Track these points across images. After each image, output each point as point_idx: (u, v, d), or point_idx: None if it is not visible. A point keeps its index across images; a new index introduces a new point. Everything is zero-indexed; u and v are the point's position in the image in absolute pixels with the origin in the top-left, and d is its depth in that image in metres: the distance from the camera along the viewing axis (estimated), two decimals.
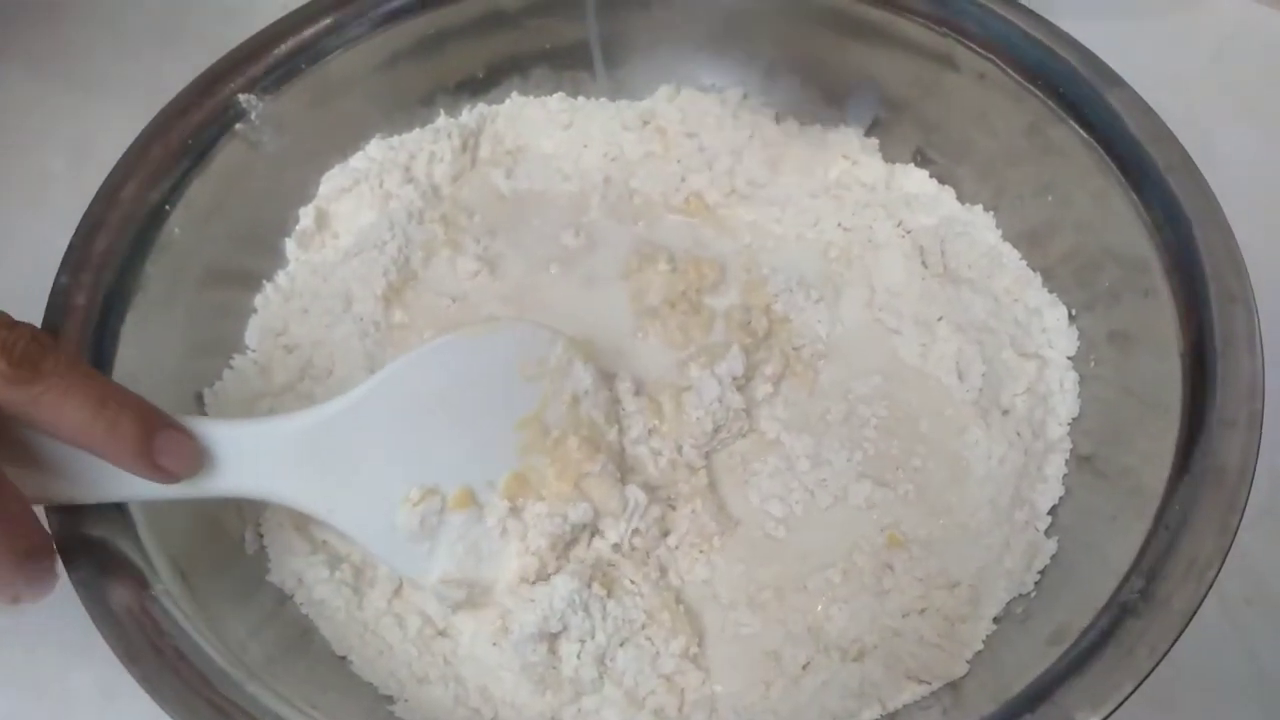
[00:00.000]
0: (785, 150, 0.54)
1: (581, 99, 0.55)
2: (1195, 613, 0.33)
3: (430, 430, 0.39)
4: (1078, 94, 0.46)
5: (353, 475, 0.38)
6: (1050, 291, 0.48)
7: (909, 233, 0.51)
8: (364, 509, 0.38)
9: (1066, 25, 0.47)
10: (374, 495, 0.38)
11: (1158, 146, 0.44)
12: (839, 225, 0.52)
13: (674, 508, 0.44)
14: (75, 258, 0.41)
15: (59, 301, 0.40)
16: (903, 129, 0.53)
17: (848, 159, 0.54)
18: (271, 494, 0.37)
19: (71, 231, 0.42)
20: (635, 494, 0.42)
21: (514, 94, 0.55)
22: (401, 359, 0.39)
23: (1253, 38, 0.62)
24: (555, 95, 0.55)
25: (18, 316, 0.40)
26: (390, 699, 0.39)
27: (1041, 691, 0.33)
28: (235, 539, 0.42)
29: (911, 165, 0.53)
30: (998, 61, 0.48)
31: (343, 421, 0.37)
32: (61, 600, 0.34)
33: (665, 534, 0.43)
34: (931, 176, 0.53)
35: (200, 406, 0.44)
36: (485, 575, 0.40)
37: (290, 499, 0.37)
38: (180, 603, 0.36)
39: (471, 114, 0.54)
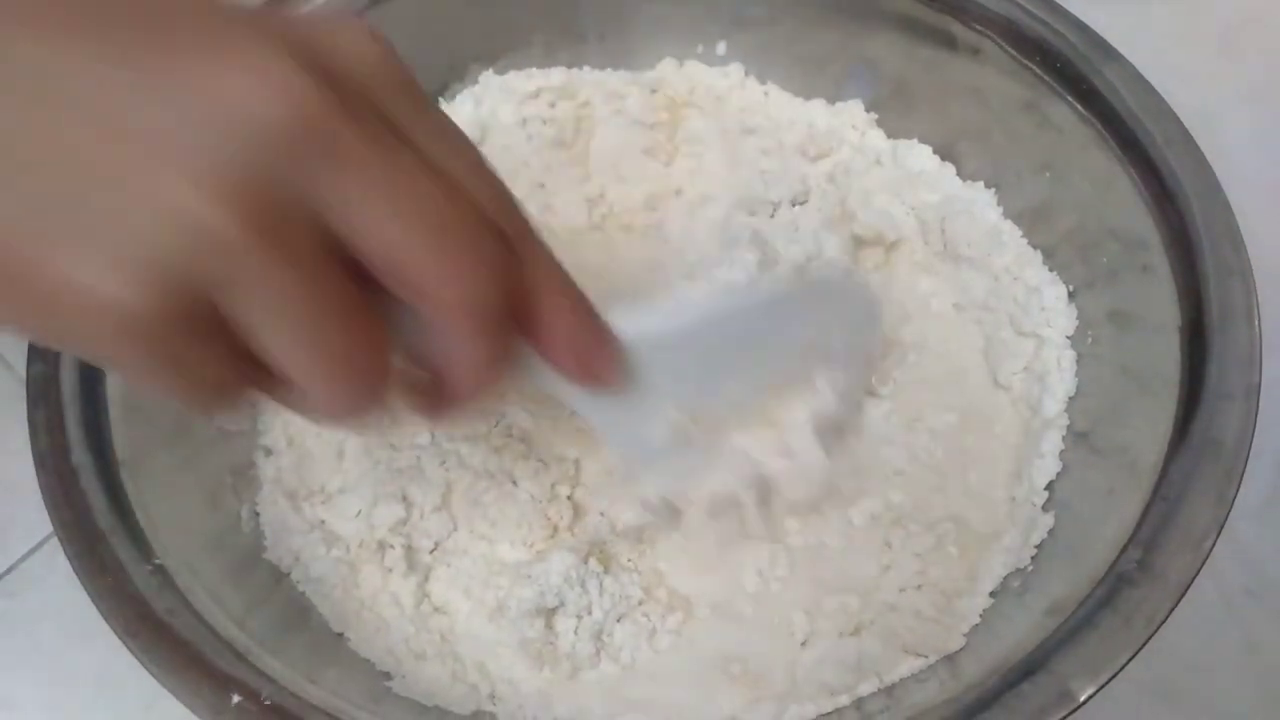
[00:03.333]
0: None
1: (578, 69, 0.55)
2: (1192, 582, 0.33)
3: (713, 364, 0.37)
4: (1074, 69, 0.46)
5: (634, 388, 0.33)
6: (1051, 270, 0.48)
7: (912, 209, 0.51)
8: (629, 420, 0.35)
9: (1072, 8, 0.47)
10: (642, 408, 0.35)
11: (1155, 121, 0.43)
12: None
13: None
14: None
15: None
16: (901, 105, 0.53)
17: (856, 130, 0.53)
18: (569, 396, 0.33)
19: None
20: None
21: (511, 71, 0.55)
22: (742, 298, 0.38)
23: (1261, 23, 0.62)
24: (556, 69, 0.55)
25: None
26: (388, 675, 0.39)
27: (1038, 661, 0.33)
28: (231, 516, 0.42)
29: (915, 141, 0.53)
30: (994, 37, 0.48)
31: (656, 344, 0.33)
32: (60, 583, 0.34)
33: None
34: (934, 153, 0.53)
35: None
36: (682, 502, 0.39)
37: (581, 406, 0.34)
38: (177, 577, 0.36)
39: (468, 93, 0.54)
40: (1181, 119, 0.43)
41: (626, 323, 0.31)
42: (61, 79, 0.20)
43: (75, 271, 0.20)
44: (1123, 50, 0.46)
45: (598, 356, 0.29)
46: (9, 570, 0.45)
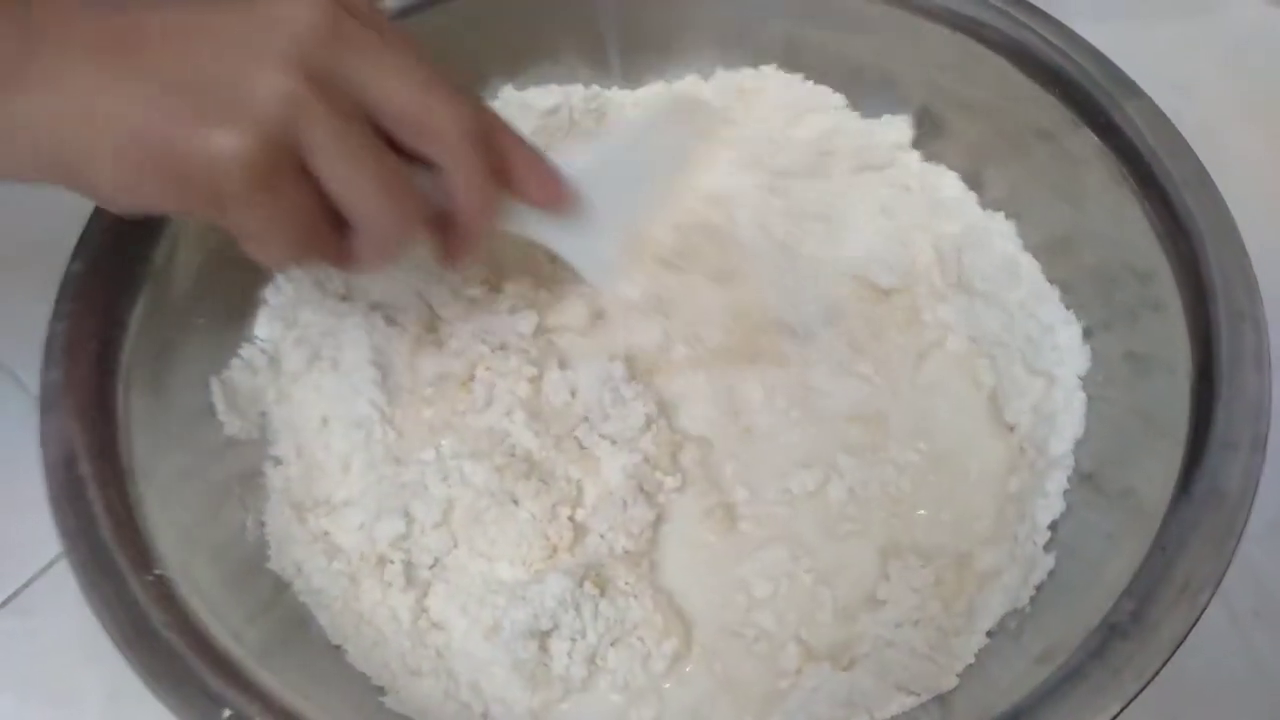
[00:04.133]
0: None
1: (596, 88, 0.55)
2: (1186, 637, 0.33)
3: (630, 187, 0.46)
4: (1095, 102, 0.45)
5: (584, 214, 0.43)
6: (1068, 307, 0.47)
7: (933, 245, 0.51)
8: (589, 244, 0.44)
9: (1078, 27, 0.47)
10: (596, 231, 0.44)
11: (1174, 160, 0.43)
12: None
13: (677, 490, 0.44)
14: (87, 244, 0.42)
15: (70, 287, 0.41)
16: (921, 134, 0.53)
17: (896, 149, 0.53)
18: (545, 233, 0.43)
19: (84, 218, 0.43)
20: None
21: (532, 87, 0.55)
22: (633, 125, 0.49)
23: (1266, 41, 0.61)
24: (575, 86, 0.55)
25: (29, 305, 0.41)
26: (381, 690, 0.39)
27: (1024, 709, 0.32)
28: (236, 527, 0.42)
29: (944, 168, 0.52)
30: (1017, 67, 0.48)
31: (593, 172, 0.43)
32: (70, 603, 0.35)
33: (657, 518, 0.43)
34: (960, 179, 0.52)
35: (207, 395, 0.44)
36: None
37: (541, 234, 0.43)
38: (177, 587, 0.36)
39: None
40: (1184, 133, 0.43)
41: (568, 165, 0.41)
42: (190, 24, 0.32)
43: (205, 135, 0.31)
44: (1127, 66, 0.45)
45: (555, 185, 0.41)
46: (20, 590, 0.46)
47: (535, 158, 0.40)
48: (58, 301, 0.41)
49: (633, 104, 0.55)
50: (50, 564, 0.46)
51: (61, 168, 0.32)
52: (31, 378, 0.40)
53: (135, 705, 0.37)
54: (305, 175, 0.33)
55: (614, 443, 0.44)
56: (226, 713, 0.33)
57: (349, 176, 0.33)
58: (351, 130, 0.33)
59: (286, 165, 0.32)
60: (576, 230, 0.43)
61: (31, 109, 0.31)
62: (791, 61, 0.54)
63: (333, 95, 0.32)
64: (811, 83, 0.53)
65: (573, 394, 0.45)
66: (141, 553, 0.37)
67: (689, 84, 0.55)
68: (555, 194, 0.41)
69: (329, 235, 0.35)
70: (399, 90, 0.33)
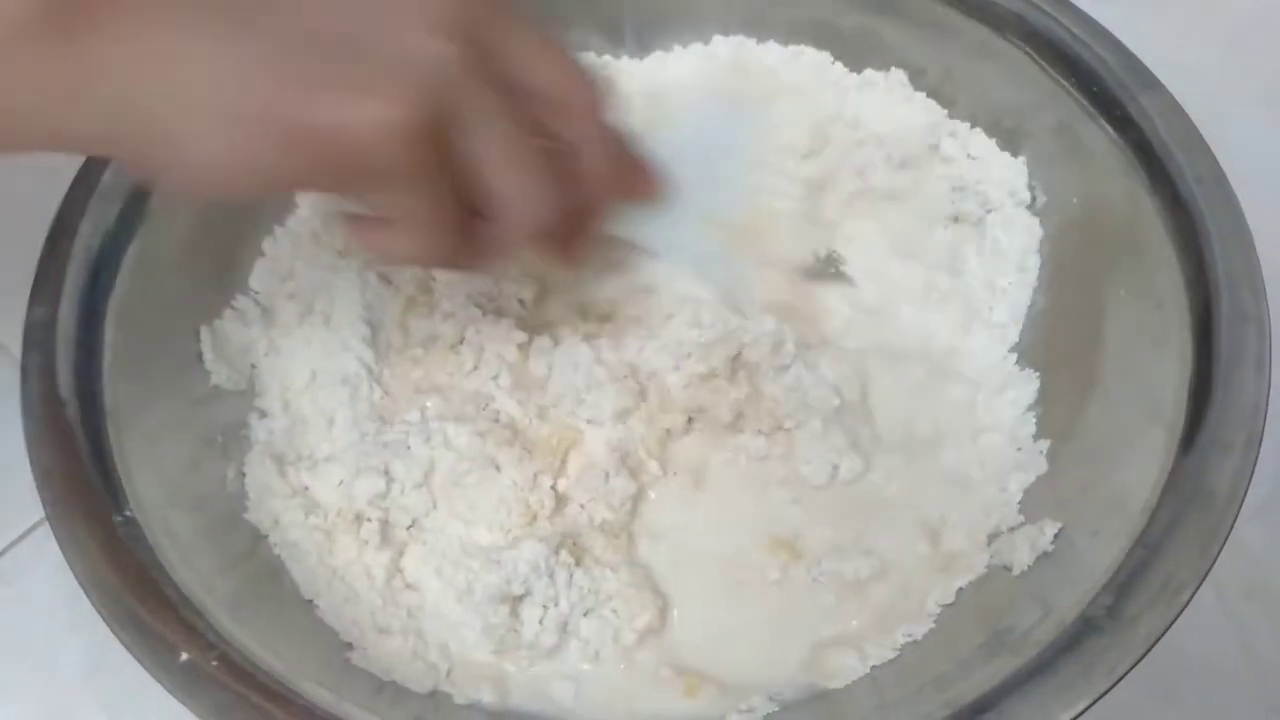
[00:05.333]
0: None
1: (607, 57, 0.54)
2: (1163, 635, 0.32)
3: (707, 176, 0.46)
4: (1111, 95, 0.44)
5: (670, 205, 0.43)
6: None
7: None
8: (673, 236, 0.44)
9: (1081, 3, 0.46)
10: (676, 221, 0.43)
11: (1188, 155, 0.42)
12: None
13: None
14: (81, 183, 0.42)
15: (61, 225, 0.41)
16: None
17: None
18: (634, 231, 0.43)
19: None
20: None
21: None
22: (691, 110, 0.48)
23: (1272, 23, 0.60)
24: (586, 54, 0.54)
25: (21, 242, 0.41)
26: (349, 646, 0.39)
27: (990, 701, 0.32)
28: (216, 476, 0.42)
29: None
30: (1033, 55, 0.47)
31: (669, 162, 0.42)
32: (50, 570, 0.34)
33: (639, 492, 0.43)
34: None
35: (196, 342, 0.44)
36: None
37: (644, 237, 0.44)
38: (148, 531, 0.36)
39: None
40: (1190, 115, 0.42)
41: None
42: None
43: (356, 103, 0.27)
44: (1132, 48, 0.44)
45: (651, 183, 0.40)
46: None
47: (632, 166, 0.38)
48: (47, 239, 0.41)
49: (644, 75, 0.54)
50: (29, 530, 0.45)
51: (135, 138, 0.27)
52: (14, 340, 0.39)
53: (116, 671, 0.37)
54: (450, 166, 0.30)
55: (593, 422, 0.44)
56: (183, 656, 0.33)
57: (502, 156, 0.30)
58: (504, 106, 0.30)
59: (440, 136, 0.29)
60: (661, 227, 0.43)
61: (115, 56, 0.26)
62: (803, 38, 0.53)
63: (485, 66, 0.29)
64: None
65: (550, 368, 0.45)
66: (116, 495, 0.37)
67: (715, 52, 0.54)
68: (655, 187, 0.40)
69: (468, 222, 0.32)
70: (544, 67, 0.32)
